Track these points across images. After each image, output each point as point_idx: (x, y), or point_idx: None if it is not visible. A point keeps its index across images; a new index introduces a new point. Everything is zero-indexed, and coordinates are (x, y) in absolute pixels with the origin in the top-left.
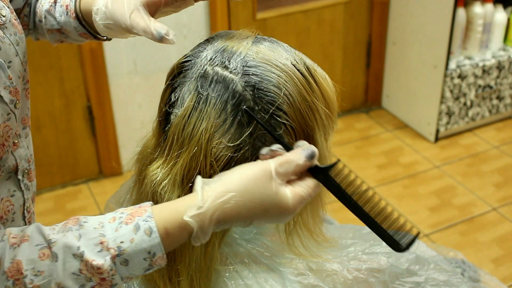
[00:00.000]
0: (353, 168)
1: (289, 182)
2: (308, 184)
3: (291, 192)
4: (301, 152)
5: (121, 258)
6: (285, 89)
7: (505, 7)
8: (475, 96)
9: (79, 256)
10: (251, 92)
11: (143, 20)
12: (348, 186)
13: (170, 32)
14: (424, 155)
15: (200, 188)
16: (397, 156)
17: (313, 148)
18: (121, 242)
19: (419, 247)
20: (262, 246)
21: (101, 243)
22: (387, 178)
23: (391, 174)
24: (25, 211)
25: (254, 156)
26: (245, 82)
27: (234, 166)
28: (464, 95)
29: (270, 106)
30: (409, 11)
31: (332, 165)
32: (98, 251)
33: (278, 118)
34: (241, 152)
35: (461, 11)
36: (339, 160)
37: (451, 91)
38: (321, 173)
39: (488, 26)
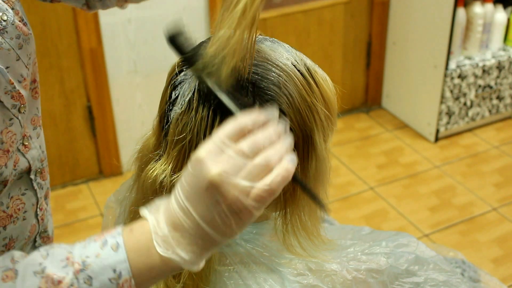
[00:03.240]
0: (353, 168)
1: None
2: None
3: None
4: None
5: (84, 274)
6: (285, 88)
7: (505, 7)
8: (475, 96)
9: (40, 273)
10: (251, 89)
11: None
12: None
13: None
14: (424, 155)
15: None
16: (397, 156)
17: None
18: (87, 256)
19: (419, 247)
20: (262, 246)
21: (67, 258)
22: (387, 178)
23: (391, 174)
24: (38, 209)
25: None
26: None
27: None
28: (464, 95)
29: (269, 105)
30: (409, 11)
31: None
32: (63, 266)
33: None
34: None
35: (461, 11)
36: None
37: (451, 91)
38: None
39: (488, 26)
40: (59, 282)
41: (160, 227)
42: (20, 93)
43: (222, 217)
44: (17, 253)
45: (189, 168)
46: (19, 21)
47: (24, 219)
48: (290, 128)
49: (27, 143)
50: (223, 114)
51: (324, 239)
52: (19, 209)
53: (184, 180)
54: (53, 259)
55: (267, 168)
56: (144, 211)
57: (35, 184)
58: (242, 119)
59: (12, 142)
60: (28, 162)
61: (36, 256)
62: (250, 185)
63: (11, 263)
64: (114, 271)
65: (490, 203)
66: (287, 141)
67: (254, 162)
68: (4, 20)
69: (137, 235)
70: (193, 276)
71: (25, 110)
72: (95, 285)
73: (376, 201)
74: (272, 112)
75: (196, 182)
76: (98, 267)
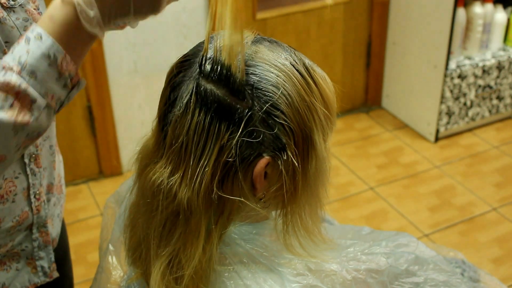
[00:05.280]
0: (353, 168)
1: None
2: None
3: None
4: None
5: (26, 71)
6: (284, 88)
7: (505, 7)
8: (475, 96)
9: None
10: (249, 91)
11: None
12: None
13: None
14: (424, 155)
15: None
16: (397, 156)
17: None
18: (19, 57)
19: (419, 247)
20: (261, 246)
21: (3, 67)
22: (387, 178)
23: (391, 174)
24: (32, 197)
25: (253, 155)
26: (244, 81)
27: (234, 164)
28: (464, 95)
29: (268, 105)
30: (409, 11)
31: None
32: (3, 74)
33: (276, 118)
34: (239, 149)
35: (461, 11)
36: None
37: (451, 91)
38: None
39: (488, 26)
40: (8, 83)
41: None
42: None
43: None
44: None
45: None
46: (34, 9)
47: (13, 202)
48: (290, 127)
49: None
50: (220, 118)
51: (324, 238)
52: (10, 191)
53: None
54: None
55: None
56: None
57: (28, 169)
58: None
59: None
60: None
61: None
62: None
63: None
64: (49, 56)
65: (490, 203)
66: None
67: None
68: (13, 0)
69: (50, 10)
70: (193, 277)
71: None
72: (40, 77)
73: (376, 201)
74: None
75: None
76: (34, 59)
